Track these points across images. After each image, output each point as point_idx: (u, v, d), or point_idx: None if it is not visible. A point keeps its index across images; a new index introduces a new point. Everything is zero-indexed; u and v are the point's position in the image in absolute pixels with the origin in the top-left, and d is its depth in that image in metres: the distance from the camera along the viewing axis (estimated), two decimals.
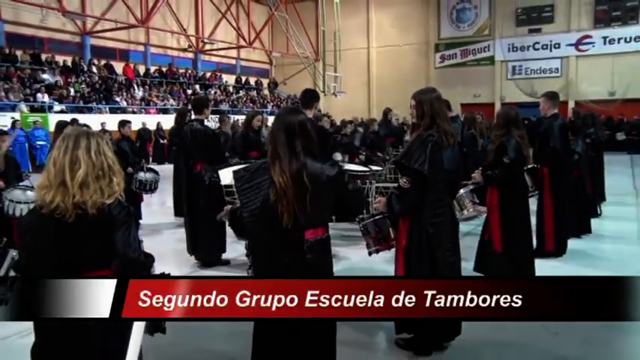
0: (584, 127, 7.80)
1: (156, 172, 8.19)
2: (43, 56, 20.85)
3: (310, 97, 5.58)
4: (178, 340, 3.86)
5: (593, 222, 7.39)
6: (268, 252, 2.60)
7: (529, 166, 5.91)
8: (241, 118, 15.96)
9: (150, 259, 2.25)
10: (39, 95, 18.22)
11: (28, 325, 2.22)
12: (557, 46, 27.51)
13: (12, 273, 2.93)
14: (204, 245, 5.96)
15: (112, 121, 17.66)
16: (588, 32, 26.78)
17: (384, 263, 5.78)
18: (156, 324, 2.54)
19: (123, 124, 8.47)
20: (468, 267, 5.04)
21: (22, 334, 3.87)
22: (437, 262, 3.46)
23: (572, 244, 6.38)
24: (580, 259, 6.03)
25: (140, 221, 8.26)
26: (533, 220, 5.77)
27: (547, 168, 5.96)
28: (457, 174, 3.70)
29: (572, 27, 27.02)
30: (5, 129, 11.91)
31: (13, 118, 16.22)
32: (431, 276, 3.47)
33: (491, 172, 4.97)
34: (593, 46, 26.67)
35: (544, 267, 5.41)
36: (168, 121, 17.86)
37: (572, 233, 6.46)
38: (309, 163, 2.54)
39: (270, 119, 20.62)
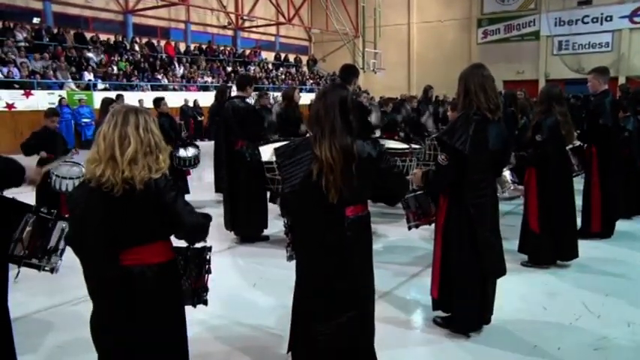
0: (636, 104, 7.46)
1: (197, 147, 8.31)
2: (88, 35, 21.33)
3: (349, 72, 5.54)
4: (221, 313, 3.98)
5: None
6: (308, 228, 2.62)
7: (575, 145, 5.74)
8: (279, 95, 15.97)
9: (208, 218, 2.31)
10: (84, 74, 18.71)
11: (80, 294, 2.32)
12: (608, 18, 26.24)
13: (62, 244, 3.05)
14: (244, 221, 6.05)
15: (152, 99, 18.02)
16: None
17: (422, 240, 5.78)
18: (199, 296, 2.63)
19: (157, 102, 8.50)
20: (508, 247, 4.96)
21: (75, 302, 4.08)
22: (478, 242, 3.40)
23: (621, 225, 6.18)
24: (628, 241, 5.85)
25: (187, 196, 8.46)
26: (579, 200, 5.62)
27: (596, 147, 5.76)
28: (502, 153, 3.61)
29: None
30: (54, 107, 12.33)
31: (60, 96, 16.73)
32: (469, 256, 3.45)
33: (524, 151, 4.88)
34: None
35: (587, 248, 5.29)
36: (208, 99, 18.06)
37: (621, 214, 6.24)
38: (356, 141, 2.53)
39: (309, 96, 20.57)
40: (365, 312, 2.72)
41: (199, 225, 2.25)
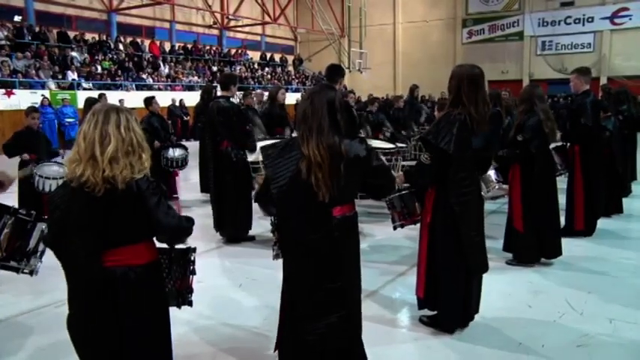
0: (617, 104, 7.57)
1: (185, 149, 8.28)
2: (71, 34, 21.07)
3: (335, 72, 5.54)
4: (207, 314, 3.96)
5: (624, 201, 7.24)
6: (295, 228, 2.61)
7: (558, 145, 5.80)
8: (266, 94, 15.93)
9: (191, 221, 2.28)
10: (68, 73, 18.48)
11: (64, 296, 2.29)
12: (590, 19, 26.63)
13: (41, 246, 3.01)
14: (231, 222, 6.02)
15: (138, 98, 17.86)
16: (625, 4, 25.76)
17: (408, 240, 5.80)
18: (183, 297, 2.61)
19: (148, 100, 8.48)
20: (493, 246, 5.01)
21: (57, 304, 4.03)
22: (462, 241, 3.43)
23: (602, 223, 6.28)
24: (609, 239, 5.93)
25: (179, 197, 8.42)
26: (563, 199, 5.69)
27: (578, 146, 5.84)
28: (486, 152, 3.63)
29: None
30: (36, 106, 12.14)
31: (43, 95, 16.51)
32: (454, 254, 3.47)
33: (502, 151, 4.93)
34: (630, 19, 25.69)
35: (571, 246, 5.36)
36: (193, 98, 17.95)
37: (602, 212, 6.33)
38: (343, 140, 2.53)
39: (294, 95, 20.51)
40: (353, 312, 2.72)
41: (180, 228, 2.22)
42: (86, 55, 20.22)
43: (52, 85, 17.53)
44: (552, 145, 5.37)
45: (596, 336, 3.60)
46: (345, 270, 2.63)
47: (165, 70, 23.06)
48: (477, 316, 3.74)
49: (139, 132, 2.22)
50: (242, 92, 10.61)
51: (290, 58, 33.08)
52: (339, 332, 2.61)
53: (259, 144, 6.34)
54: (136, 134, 2.19)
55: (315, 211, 2.53)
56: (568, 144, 5.95)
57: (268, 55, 31.38)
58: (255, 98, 7.39)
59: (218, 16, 28.78)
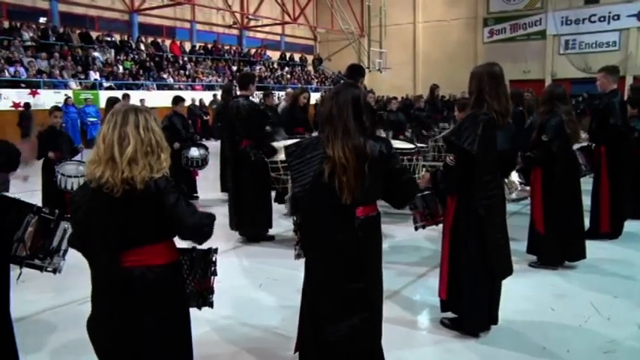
0: None
1: (205, 148, 8.32)
2: (94, 35, 21.38)
3: (356, 72, 5.52)
4: (226, 313, 3.96)
5: None
6: (319, 228, 2.58)
7: (583, 145, 5.68)
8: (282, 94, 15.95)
9: (212, 217, 2.25)
10: (90, 73, 18.75)
11: (86, 293, 2.30)
12: (616, 17, 26.10)
13: (64, 244, 3.03)
14: (249, 221, 6.03)
15: (159, 98, 18.06)
16: None
17: (428, 240, 5.74)
18: (204, 298, 2.60)
19: (176, 101, 8.56)
20: (515, 248, 4.91)
21: (80, 301, 4.06)
22: (487, 243, 3.37)
23: (630, 226, 6.12)
24: (636, 242, 5.78)
25: (199, 197, 8.48)
26: (588, 200, 5.57)
27: (605, 147, 5.71)
28: (511, 153, 3.57)
29: None
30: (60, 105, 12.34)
31: (66, 95, 16.78)
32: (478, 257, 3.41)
33: (530, 152, 4.85)
34: None
35: (595, 249, 5.24)
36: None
37: (629, 215, 6.18)
38: (367, 140, 2.50)
39: (313, 95, 20.55)
40: (376, 313, 2.69)
41: (203, 225, 2.19)
42: (108, 55, 20.48)
43: (75, 84, 17.80)
44: (577, 146, 5.27)
45: (624, 342, 3.50)
46: (368, 270, 2.60)
47: (185, 69, 23.24)
48: (499, 319, 3.66)
49: (158, 132, 2.21)
50: (262, 92, 10.62)
51: (309, 58, 33.10)
52: (361, 334, 2.58)
53: (279, 144, 6.35)
54: (155, 134, 2.18)
55: (338, 211, 2.50)
56: (593, 144, 5.83)
57: (288, 54, 31.45)
58: (288, 97, 7.43)
59: (238, 16, 28.94)
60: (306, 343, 2.75)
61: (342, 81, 4.53)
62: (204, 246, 2.46)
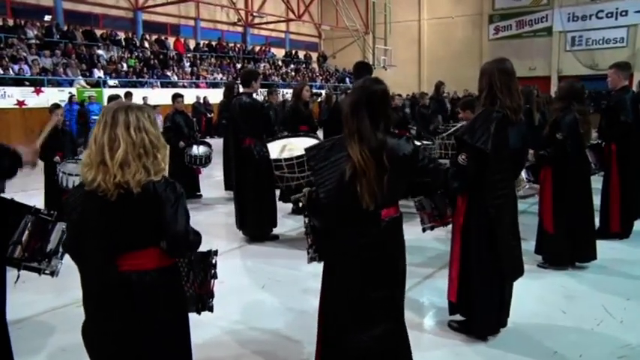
0: None
1: (209, 146, 8.27)
2: (98, 32, 21.34)
3: (363, 69, 5.43)
4: (228, 315, 3.88)
5: None
6: (344, 232, 2.47)
7: (593, 143, 5.56)
8: (290, 92, 15.88)
9: (198, 237, 2.14)
10: (95, 71, 18.71)
11: None
12: (624, 13, 25.80)
13: (62, 247, 2.97)
14: (253, 220, 5.94)
15: (163, 96, 18.00)
16: None
17: (435, 241, 5.64)
18: (204, 303, 2.52)
19: (174, 98, 8.57)
20: (524, 247, 4.81)
21: (79, 303, 3.97)
22: (498, 244, 3.27)
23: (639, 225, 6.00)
24: None
25: (202, 196, 8.43)
26: (597, 199, 5.45)
27: (615, 144, 5.59)
28: (522, 152, 3.47)
29: None
30: (62, 104, 12.32)
31: (70, 93, 16.74)
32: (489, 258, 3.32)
33: (544, 151, 4.74)
34: None
35: (606, 249, 5.13)
36: (217, 95, 17.98)
37: (639, 214, 6.07)
38: (388, 139, 2.40)
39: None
40: (400, 322, 2.57)
41: (184, 237, 2.06)
42: (112, 53, 20.45)
43: (80, 82, 17.76)
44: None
45: (638, 347, 3.39)
46: (392, 276, 2.51)
47: (189, 67, 23.19)
48: (508, 322, 3.57)
49: (152, 131, 2.08)
50: (266, 89, 10.54)
51: (314, 55, 33.00)
52: (386, 345, 2.47)
53: (279, 142, 6.27)
54: (149, 134, 2.06)
55: (363, 214, 2.39)
56: (604, 142, 5.71)
57: (292, 52, 31.35)
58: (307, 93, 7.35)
59: (242, 13, 28.84)
60: (327, 355, 2.61)
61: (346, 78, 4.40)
62: (207, 245, 2.37)
